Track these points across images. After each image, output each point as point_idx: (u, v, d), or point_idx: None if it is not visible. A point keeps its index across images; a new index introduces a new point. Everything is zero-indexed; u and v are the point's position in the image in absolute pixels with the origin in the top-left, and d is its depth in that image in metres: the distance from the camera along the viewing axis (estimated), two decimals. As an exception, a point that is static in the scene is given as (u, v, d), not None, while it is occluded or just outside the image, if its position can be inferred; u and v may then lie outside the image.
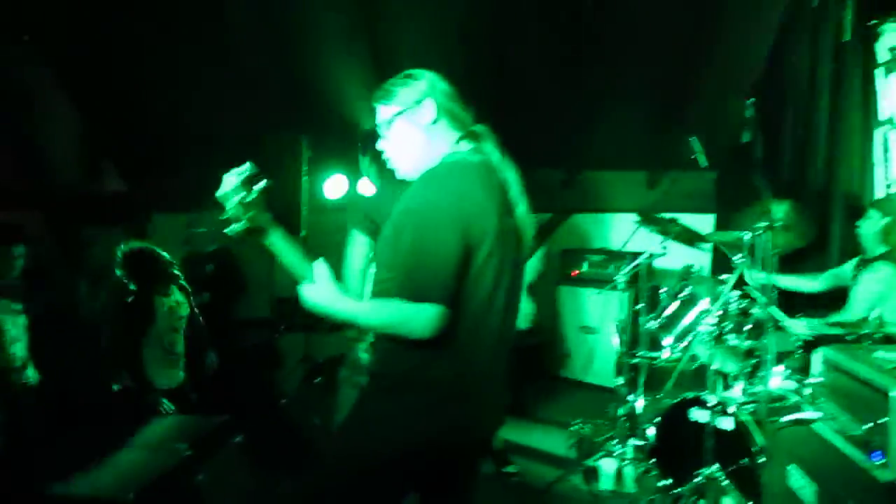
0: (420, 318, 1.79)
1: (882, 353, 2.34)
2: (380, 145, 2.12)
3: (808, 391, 3.50)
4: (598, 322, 5.47)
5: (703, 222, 5.67)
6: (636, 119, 6.29)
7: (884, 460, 2.05)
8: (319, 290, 2.00)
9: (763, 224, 3.18)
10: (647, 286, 4.66)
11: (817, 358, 2.56)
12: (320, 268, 2.02)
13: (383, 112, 2.08)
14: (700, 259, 4.49)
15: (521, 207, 2.07)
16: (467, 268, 1.86)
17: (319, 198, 6.44)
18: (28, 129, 5.83)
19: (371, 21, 5.78)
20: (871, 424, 2.11)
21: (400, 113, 2.03)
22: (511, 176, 2.06)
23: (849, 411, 2.31)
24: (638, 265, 4.40)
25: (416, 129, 2.04)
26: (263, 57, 6.08)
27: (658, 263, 4.70)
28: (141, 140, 6.47)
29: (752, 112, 3.27)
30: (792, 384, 3.63)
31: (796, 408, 3.28)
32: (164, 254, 3.97)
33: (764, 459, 3.17)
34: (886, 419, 2.03)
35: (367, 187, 6.47)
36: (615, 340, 4.77)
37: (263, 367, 5.80)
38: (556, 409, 5.05)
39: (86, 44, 5.67)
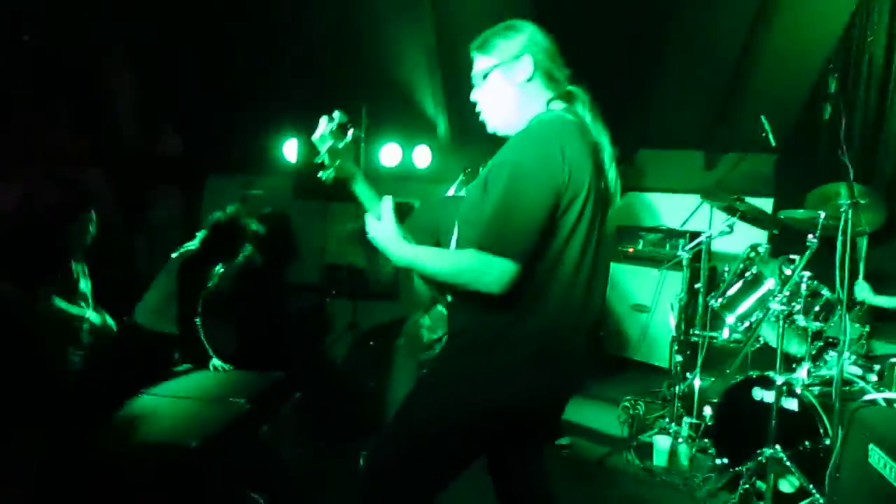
0: (491, 271, 1.75)
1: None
2: (472, 95, 2.10)
3: (873, 377, 3.50)
4: (651, 301, 5.41)
5: (761, 206, 5.57)
6: (696, 97, 6.20)
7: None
8: (383, 228, 1.98)
9: (847, 202, 3.09)
10: (706, 266, 4.61)
11: (902, 337, 2.51)
12: (386, 204, 1.99)
13: (479, 63, 2.05)
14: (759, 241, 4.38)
15: (612, 172, 2.03)
16: (558, 230, 1.83)
17: (375, 165, 6.47)
18: (92, 89, 5.92)
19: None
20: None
21: (496, 66, 2.00)
22: (603, 139, 2.02)
23: (936, 392, 2.26)
24: (702, 243, 4.33)
25: (511, 84, 2.00)
26: (324, 23, 6.09)
27: (715, 245, 4.65)
28: (200, 103, 6.53)
29: (835, 87, 3.16)
30: (857, 369, 3.59)
31: (863, 392, 3.25)
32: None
33: (829, 441, 3.13)
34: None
35: (422, 157, 6.51)
36: (672, 319, 4.72)
37: (312, 331, 5.85)
38: (607, 386, 5.02)
39: (151, 7, 5.72)
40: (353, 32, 6.14)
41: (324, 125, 1.97)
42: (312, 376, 4.82)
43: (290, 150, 6.21)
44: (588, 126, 2.00)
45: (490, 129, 2.09)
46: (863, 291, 3.87)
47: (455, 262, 1.86)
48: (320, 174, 2.00)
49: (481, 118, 2.09)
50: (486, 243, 1.77)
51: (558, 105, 2.01)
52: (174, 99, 6.52)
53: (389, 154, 6.40)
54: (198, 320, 3.83)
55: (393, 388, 3.77)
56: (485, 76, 2.02)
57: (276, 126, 6.33)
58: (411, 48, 6.21)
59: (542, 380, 1.91)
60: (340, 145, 1.97)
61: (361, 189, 2.07)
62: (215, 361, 3.78)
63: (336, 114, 1.99)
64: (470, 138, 5.80)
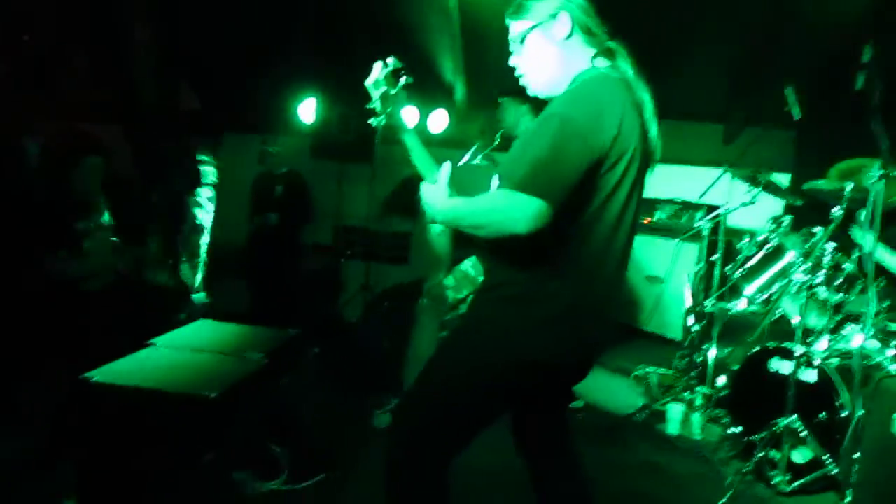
0: (518, 209, 1.70)
1: None
2: (512, 61, 2.06)
3: (891, 351, 3.50)
4: (664, 272, 5.41)
5: (781, 180, 5.55)
6: (716, 69, 6.13)
7: None
8: (435, 190, 1.96)
9: (878, 173, 3.07)
10: (724, 238, 4.60)
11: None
12: (444, 169, 1.99)
13: (516, 27, 2.00)
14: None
15: (654, 129, 2.01)
16: (601, 188, 1.81)
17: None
18: (110, 45, 5.89)
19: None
20: None
21: (534, 27, 1.96)
22: (645, 96, 1.99)
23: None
24: (722, 213, 4.32)
25: (551, 43, 1.96)
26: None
27: (731, 220, 4.63)
28: (218, 61, 6.49)
29: (871, 56, 3.11)
30: (876, 343, 3.58)
31: (880, 367, 3.26)
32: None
33: (847, 413, 3.14)
34: None
35: (438, 121, 6.47)
36: (687, 290, 4.73)
37: (326, 292, 5.89)
38: (619, 355, 5.03)
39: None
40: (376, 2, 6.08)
41: (378, 70, 1.95)
42: (327, 335, 4.86)
43: (307, 110, 6.17)
44: (632, 82, 1.97)
45: (532, 91, 2.05)
46: (883, 254, 3.81)
47: (485, 202, 1.84)
48: (371, 120, 1.99)
49: (522, 82, 2.06)
50: (518, 184, 1.73)
51: (602, 62, 1.98)
52: (191, 56, 6.48)
53: (406, 117, 6.35)
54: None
55: (415, 347, 3.78)
56: (522, 39, 1.98)
57: (293, 86, 6.28)
58: (431, 10, 6.14)
59: (574, 336, 1.91)
60: (393, 91, 1.96)
61: (410, 138, 2.06)
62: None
63: (390, 59, 1.98)
64: (487, 104, 5.75)
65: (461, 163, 3.09)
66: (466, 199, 1.93)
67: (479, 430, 1.98)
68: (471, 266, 3.62)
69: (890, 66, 3.16)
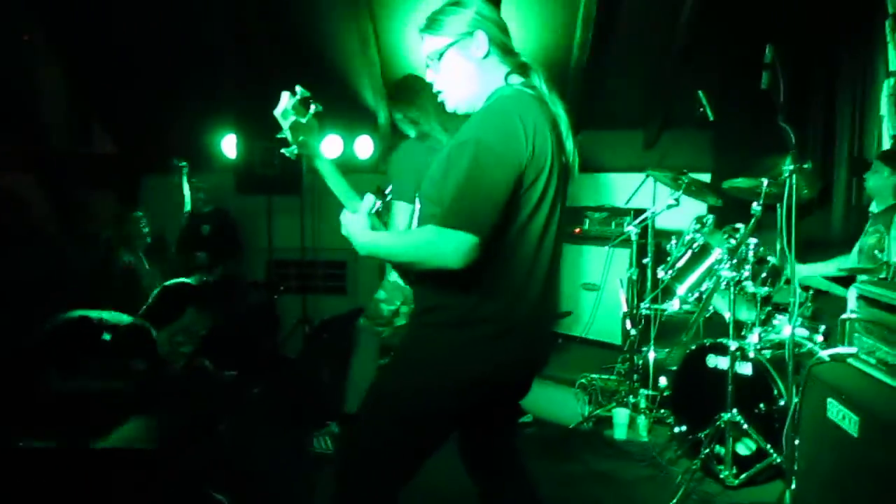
0: (448, 244, 1.72)
1: (922, 286, 2.37)
2: (427, 77, 2.06)
3: (819, 337, 3.62)
4: (601, 279, 5.49)
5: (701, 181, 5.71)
6: (634, 77, 6.30)
7: (931, 387, 2.09)
8: (355, 220, 1.96)
9: (791, 167, 3.18)
10: (653, 240, 4.69)
11: (852, 294, 2.59)
12: (366, 201, 1.98)
13: (431, 43, 1.99)
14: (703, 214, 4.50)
15: (570, 144, 2.04)
16: (523, 206, 1.82)
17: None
18: (19, 91, 5.68)
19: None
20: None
21: (451, 45, 1.96)
22: (560, 111, 2.02)
23: (888, 344, 2.34)
24: (648, 218, 4.41)
25: (468, 61, 1.97)
26: (258, 17, 5.96)
27: (659, 222, 4.74)
28: (132, 103, 6.33)
29: (772, 57, 3.24)
30: (805, 331, 3.71)
31: (811, 353, 3.36)
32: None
33: (784, 402, 3.23)
34: (935, 346, 2.05)
35: (364, 148, 6.45)
36: (622, 295, 4.80)
37: (264, 328, 5.76)
38: (563, 365, 5.06)
39: (77, 4, 5.52)
40: (289, 26, 6.03)
41: (286, 100, 1.92)
42: (268, 373, 4.75)
43: (229, 145, 6.07)
44: (546, 98, 1.99)
45: (450, 108, 2.06)
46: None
47: (413, 239, 1.86)
48: (283, 150, 1.95)
49: (440, 98, 2.06)
50: (445, 219, 1.75)
51: (516, 79, 2.00)
52: (104, 97, 6.31)
53: (330, 145, 6.32)
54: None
55: (355, 368, 3.73)
56: (440, 56, 1.99)
57: (213, 122, 6.18)
58: (348, 39, 6.13)
59: (512, 354, 1.91)
60: (304, 120, 1.92)
61: (324, 166, 2.02)
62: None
63: (298, 88, 1.95)
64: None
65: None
66: (391, 234, 1.93)
67: (427, 457, 1.96)
68: (399, 276, 3.59)
69: (791, 65, 3.29)
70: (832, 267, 4.07)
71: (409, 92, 3.52)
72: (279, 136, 1.93)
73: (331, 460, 3.59)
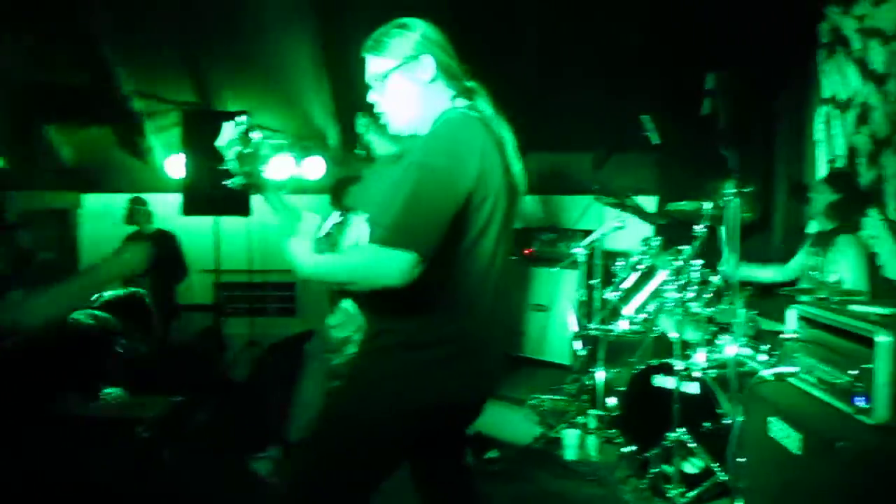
0: (389, 263, 1.72)
1: (858, 307, 2.45)
2: (371, 98, 2.06)
3: (762, 356, 3.71)
4: (550, 300, 5.54)
5: (647, 203, 5.83)
6: (581, 99, 6.41)
7: (868, 405, 2.15)
8: (299, 244, 1.95)
9: (733, 191, 3.27)
10: (601, 262, 4.76)
11: (791, 315, 2.66)
12: (309, 223, 1.96)
13: (376, 64, 1.99)
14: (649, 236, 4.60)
15: (517, 166, 2.06)
16: (470, 228, 1.83)
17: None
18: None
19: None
20: (855, 372, 2.20)
21: (396, 68, 1.96)
22: (506, 133, 2.04)
23: (827, 363, 2.41)
24: (596, 239, 4.47)
25: (413, 85, 1.97)
26: (207, 36, 5.91)
27: (607, 243, 4.82)
28: (77, 117, 6.19)
29: (713, 84, 3.35)
30: (749, 350, 3.79)
31: (755, 372, 3.43)
32: None
33: (728, 420, 3.29)
34: (871, 366, 2.12)
35: (314, 168, 6.41)
36: (571, 316, 4.84)
37: (210, 352, 5.65)
38: (513, 386, 5.08)
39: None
40: (238, 45, 5.99)
41: (228, 130, 1.88)
42: (214, 397, 4.65)
43: (176, 165, 5.97)
44: (491, 121, 2.01)
45: (394, 130, 2.06)
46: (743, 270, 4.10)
47: (352, 259, 1.85)
48: (227, 182, 1.91)
49: (383, 120, 2.07)
50: (385, 237, 1.75)
51: (461, 102, 2.01)
52: (48, 112, 6.15)
53: (279, 166, 6.25)
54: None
55: (302, 393, 3.67)
56: (384, 78, 1.99)
57: (158, 141, 6.09)
58: (298, 59, 6.12)
59: (463, 377, 1.90)
60: (247, 150, 1.89)
61: (272, 198, 2.00)
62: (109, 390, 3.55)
63: (241, 117, 1.92)
64: (360, 148, 5.75)
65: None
66: (332, 256, 1.91)
67: (378, 484, 1.94)
68: (351, 304, 3.57)
69: (732, 93, 3.40)
70: (770, 272, 4.24)
71: None
72: (223, 167, 1.90)
73: (266, 485, 3.52)
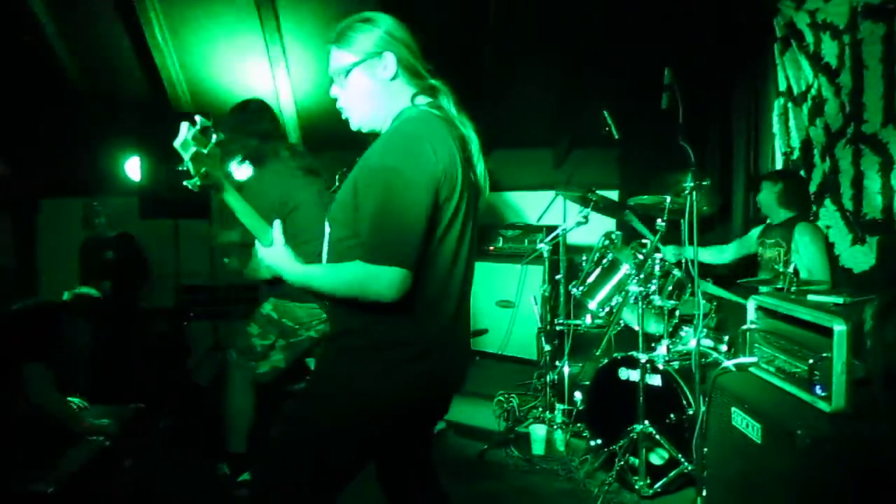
0: (382, 280, 1.73)
1: (815, 297, 2.50)
2: (332, 92, 2.04)
3: (724, 347, 3.77)
4: (515, 296, 5.56)
5: (609, 196, 5.87)
6: (541, 95, 6.45)
7: (826, 393, 2.19)
8: (275, 253, 1.95)
9: (690, 185, 3.31)
10: (565, 257, 4.79)
11: (751, 305, 2.70)
12: (277, 230, 1.96)
13: (338, 58, 1.97)
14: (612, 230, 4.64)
15: (481, 165, 2.06)
16: (435, 227, 1.83)
17: (227, 178, 6.22)
18: None
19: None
20: (811, 361, 2.24)
21: (357, 63, 1.94)
22: (469, 132, 2.03)
23: (786, 353, 2.45)
24: (559, 235, 4.49)
25: (374, 82, 1.96)
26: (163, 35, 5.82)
27: (571, 238, 4.84)
28: (26, 123, 6.04)
29: (671, 78, 3.38)
30: (710, 341, 3.85)
31: (717, 363, 3.48)
32: None
33: (692, 412, 3.33)
34: (828, 354, 2.16)
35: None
36: (536, 311, 4.87)
37: (173, 357, 5.56)
38: (480, 383, 5.09)
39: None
40: (191, 43, 5.91)
41: (185, 130, 1.85)
42: (178, 403, 4.58)
43: (133, 168, 5.86)
44: (454, 119, 2.00)
45: (354, 126, 2.05)
46: (703, 255, 4.21)
47: (346, 277, 1.82)
48: (185, 182, 1.87)
49: (344, 115, 2.05)
50: (371, 254, 1.75)
51: (423, 100, 2.00)
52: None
53: (240, 171, 6.18)
54: None
55: (230, 408, 3.58)
56: (346, 73, 1.97)
57: (115, 144, 5.96)
58: (255, 59, 6.05)
59: (429, 376, 1.90)
60: (205, 151, 1.86)
61: (231, 197, 1.97)
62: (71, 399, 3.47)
63: (198, 118, 1.88)
64: (321, 145, 5.71)
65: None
66: (323, 269, 1.90)
67: (345, 485, 1.93)
68: (272, 309, 3.51)
69: (689, 87, 3.44)
70: (727, 254, 4.42)
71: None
72: (180, 168, 1.86)
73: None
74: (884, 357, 2.03)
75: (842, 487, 2.00)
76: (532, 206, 6.64)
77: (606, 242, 4.13)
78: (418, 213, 1.76)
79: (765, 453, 2.32)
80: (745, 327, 2.71)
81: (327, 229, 2.03)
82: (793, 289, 2.99)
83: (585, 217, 4.27)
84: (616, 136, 4.42)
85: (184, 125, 1.84)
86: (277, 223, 1.98)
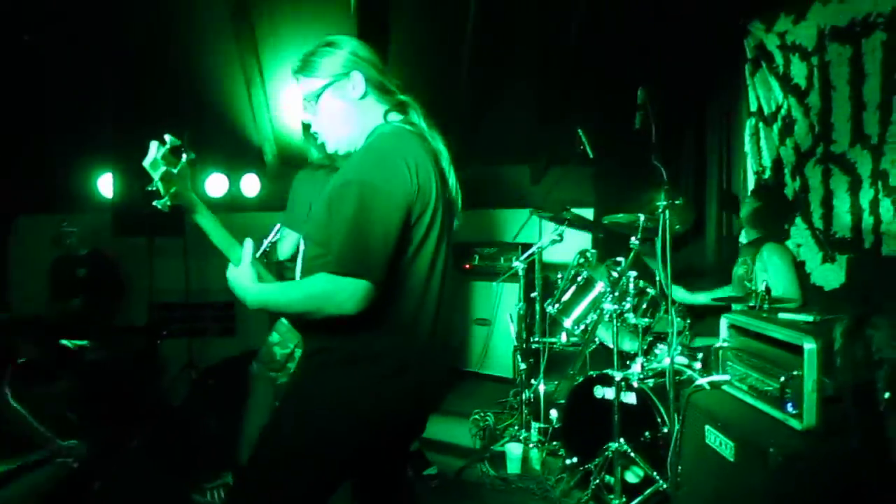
0: (342, 292, 1.73)
1: (786, 315, 2.52)
2: (304, 117, 2.05)
3: (698, 364, 3.79)
4: (491, 313, 5.57)
5: (584, 215, 5.91)
6: (519, 113, 6.49)
7: (797, 410, 2.21)
8: (238, 272, 1.94)
9: (664, 203, 3.35)
10: (540, 275, 4.81)
11: (723, 323, 2.72)
12: (247, 249, 1.95)
13: (307, 85, 1.99)
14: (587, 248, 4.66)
15: (453, 178, 2.07)
16: (409, 242, 1.83)
17: (201, 196, 6.18)
18: None
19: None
20: (783, 379, 2.26)
21: (326, 87, 1.96)
22: (441, 146, 2.05)
23: (758, 371, 2.47)
24: (535, 252, 4.51)
25: (344, 102, 1.98)
26: (137, 52, 5.77)
27: (546, 255, 4.86)
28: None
29: (644, 99, 3.42)
30: (684, 359, 3.87)
31: (691, 380, 3.50)
32: None
33: (667, 429, 3.34)
34: (800, 372, 2.18)
35: (251, 186, 6.32)
36: (512, 329, 4.87)
37: (147, 375, 5.47)
38: (456, 401, 5.08)
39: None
40: (170, 61, 5.87)
41: (154, 150, 1.83)
42: (151, 422, 4.51)
43: (106, 185, 5.80)
44: (426, 134, 2.02)
45: (330, 149, 2.05)
46: (678, 293, 4.22)
47: (305, 290, 1.83)
48: (155, 203, 1.85)
49: (319, 140, 2.05)
50: (337, 265, 1.75)
51: (395, 116, 2.02)
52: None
53: (215, 184, 6.15)
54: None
55: (250, 416, 3.58)
56: (317, 97, 1.98)
57: (88, 160, 5.90)
58: (231, 76, 6.03)
59: (406, 392, 1.90)
60: (175, 170, 1.84)
61: (203, 219, 1.95)
62: None
63: (167, 137, 1.87)
64: (298, 164, 5.70)
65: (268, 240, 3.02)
66: (282, 287, 1.89)
67: (323, 502, 1.91)
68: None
69: (662, 107, 3.48)
70: (701, 297, 4.35)
71: None
72: (150, 188, 1.84)
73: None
74: (853, 374, 2.06)
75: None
76: (508, 223, 6.66)
77: (581, 260, 4.16)
78: (389, 226, 1.76)
79: (738, 471, 2.33)
80: (717, 345, 2.74)
81: (302, 247, 2.03)
82: (765, 307, 3.02)
83: (560, 235, 4.29)
84: (591, 155, 4.45)
85: (153, 144, 1.82)
86: (248, 241, 1.97)
